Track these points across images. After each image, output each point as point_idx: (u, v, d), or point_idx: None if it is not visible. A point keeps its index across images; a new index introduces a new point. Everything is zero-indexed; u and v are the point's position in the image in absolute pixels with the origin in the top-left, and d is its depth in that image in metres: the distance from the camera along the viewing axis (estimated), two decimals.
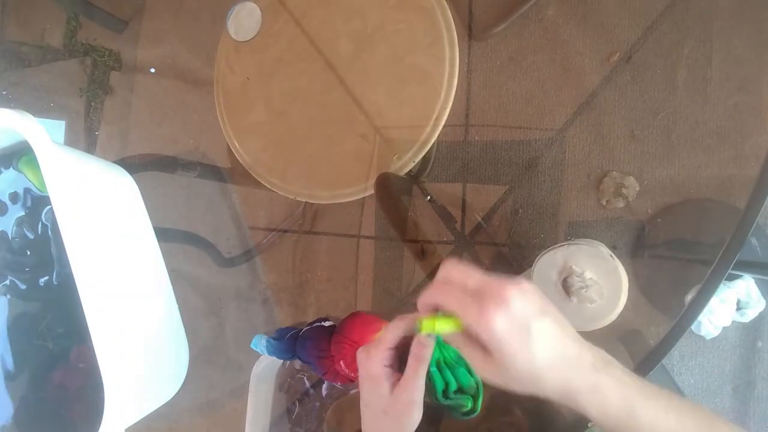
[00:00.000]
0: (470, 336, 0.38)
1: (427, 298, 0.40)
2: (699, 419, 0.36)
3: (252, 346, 0.70)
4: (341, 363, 0.63)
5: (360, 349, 0.45)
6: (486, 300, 0.36)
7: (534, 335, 0.36)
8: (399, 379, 0.42)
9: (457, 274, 0.39)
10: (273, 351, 0.68)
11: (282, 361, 0.90)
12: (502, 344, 0.35)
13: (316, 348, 0.65)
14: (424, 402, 0.43)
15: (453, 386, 0.45)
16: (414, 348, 0.42)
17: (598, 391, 0.36)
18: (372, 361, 0.43)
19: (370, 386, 0.44)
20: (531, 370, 0.36)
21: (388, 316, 0.67)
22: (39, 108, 1.26)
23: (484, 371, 0.38)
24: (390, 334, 0.43)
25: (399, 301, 1.00)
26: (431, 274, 0.83)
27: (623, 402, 0.36)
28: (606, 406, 0.36)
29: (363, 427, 0.45)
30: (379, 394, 0.43)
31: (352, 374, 0.63)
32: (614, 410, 0.36)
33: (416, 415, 0.42)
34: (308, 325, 0.69)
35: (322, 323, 0.68)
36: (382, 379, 0.43)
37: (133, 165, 0.89)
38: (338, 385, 0.93)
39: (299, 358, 0.68)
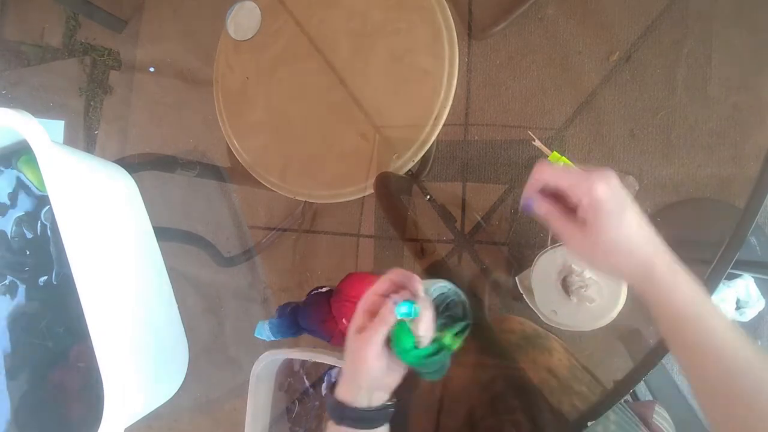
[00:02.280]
0: (565, 214, 0.43)
1: (539, 176, 0.44)
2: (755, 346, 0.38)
3: (256, 335, 0.70)
4: (344, 321, 0.63)
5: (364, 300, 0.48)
6: (593, 174, 0.41)
7: (628, 208, 0.41)
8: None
9: (561, 166, 0.44)
10: (277, 331, 0.69)
11: (281, 360, 0.90)
12: (600, 208, 0.40)
13: (319, 313, 0.66)
14: None
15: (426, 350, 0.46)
16: (382, 309, 0.45)
17: (675, 272, 0.40)
18: (362, 300, 0.47)
19: (352, 320, 0.47)
20: (621, 238, 0.40)
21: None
22: (38, 107, 1.26)
23: (574, 241, 0.43)
24: (382, 283, 0.47)
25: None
26: (430, 272, 0.83)
27: (691, 290, 0.39)
28: (676, 290, 0.39)
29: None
30: (351, 329, 0.46)
31: None
32: (682, 297, 0.39)
33: (365, 368, 0.45)
34: (305, 297, 0.69)
35: (319, 290, 0.69)
36: (358, 318, 0.47)
37: (132, 164, 0.88)
38: None
39: (304, 329, 0.68)
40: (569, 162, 0.73)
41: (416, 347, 0.45)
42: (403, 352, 0.45)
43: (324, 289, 0.68)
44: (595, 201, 0.40)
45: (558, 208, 0.44)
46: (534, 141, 0.77)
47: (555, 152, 0.74)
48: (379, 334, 0.44)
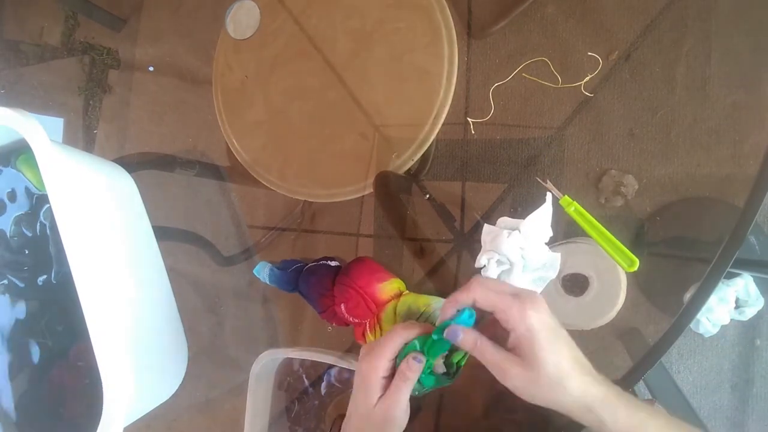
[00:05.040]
0: (497, 347, 0.41)
1: (464, 296, 0.42)
2: None
3: (255, 272, 0.70)
4: (342, 306, 0.63)
5: (364, 348, 0.47)
6: (525, 301, 0.39)
7: (561, 339, 0.40)
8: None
9: (493, 283, 0.43)
10: (275, 280, 0.69)
11: (281, 359, 0.90)
12: (537, 340, 0.38)
13: (320, 285, 0.66)
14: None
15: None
16: (403, 366, 0.44)
17: (611, 403, 0.38)
18: (372, 370, 0.44)
19: (362, 391, 0.45)
20: (558, 372, 0.38)
21: (392, 268, 0.67)
22: (37, 106, 1.26)
23: (512, 377, 0.40)
24: (392, 344, 0.45)
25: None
26: (430, 273, 0.83)
27: (631, 414, 0.38)
28: (617, 418, 0.38)
29: (346, 419, 0.47)
30: (368, 401, 0.44)
31: (350, 319, 0.63)
32: (625, 422, 0.38)
33: (395, 429, 0.44)
34: (314, 262, 0.69)
35: (329, 262, 0.68)
36: (375, 389, 0.44)
37: (131, 163, 0.88)
38: (334, 382, 0.93)
39: (300, 292, 0.68)
40: (584, 210, 0.68)
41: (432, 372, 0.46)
42: (426, 379, 0.46)
43: (333, 263, 0.68)
44: (531, 331, 0.38)
45: (486, 337, 0.41)
46: (545, 183, 0.73)
47: (566, 196, 0.69)
48: (405, 392, 0.43)
